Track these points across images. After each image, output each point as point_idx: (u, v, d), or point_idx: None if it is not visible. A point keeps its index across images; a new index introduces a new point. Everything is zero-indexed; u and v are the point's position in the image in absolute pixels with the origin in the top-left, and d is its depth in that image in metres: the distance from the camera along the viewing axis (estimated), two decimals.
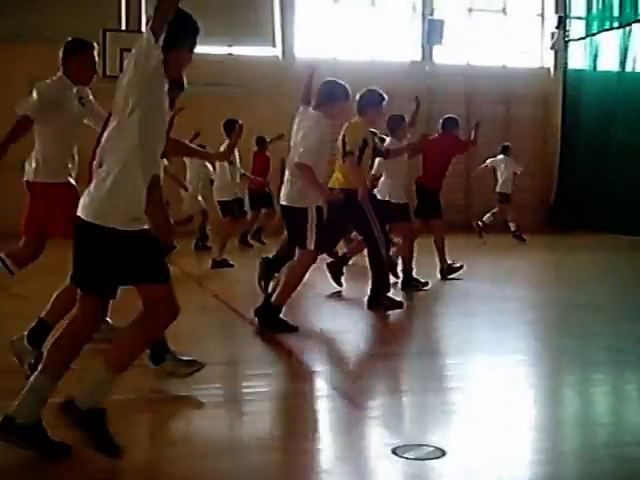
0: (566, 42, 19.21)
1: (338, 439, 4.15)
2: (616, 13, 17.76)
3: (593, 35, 18.44)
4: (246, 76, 16.21)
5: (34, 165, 5.41)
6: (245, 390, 5.06)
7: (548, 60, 19.63)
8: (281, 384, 5.22)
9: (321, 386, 5.10)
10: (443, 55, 18.67)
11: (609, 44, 18.00)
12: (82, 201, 3.60)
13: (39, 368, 3.67)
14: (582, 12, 18.82)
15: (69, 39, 5.52)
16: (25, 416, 3.53)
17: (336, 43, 17.82)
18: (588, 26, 18.65)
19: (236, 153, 10.90)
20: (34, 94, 5.39)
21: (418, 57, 18.70)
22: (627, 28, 17.37)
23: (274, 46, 17.53)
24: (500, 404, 4.67)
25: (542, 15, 19.65)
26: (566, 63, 19.26)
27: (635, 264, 12.48)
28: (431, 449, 3.74)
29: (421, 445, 3.80)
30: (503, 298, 8.80)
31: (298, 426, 4.33)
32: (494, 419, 4.37)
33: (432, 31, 18.11)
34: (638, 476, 3.60)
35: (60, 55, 5.43)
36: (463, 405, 4.66)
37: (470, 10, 18.95)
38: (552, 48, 19.42)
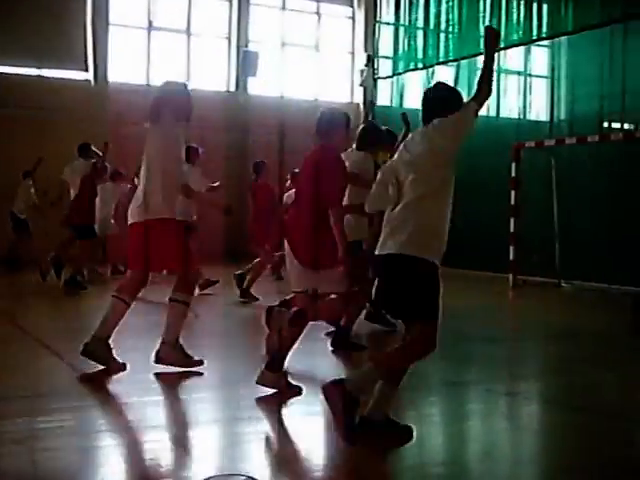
0: (375, 80, 20.03)
1: (149, 473, 4.07)
2: (420, 55, 18.74)
3: (399, 74, 19.35)
4: (55, 99, 15.72)
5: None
6: (49, 425, 4.82)
7: (358, 96, 20.37)
8: (89, 418, 5.04)
9: (132, 418, 4.99)
10: (257, 87, 18.93)
11: (414, 83, 18.94)
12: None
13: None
14: (389, 52, 19.71)
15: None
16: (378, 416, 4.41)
17: (150, 69, 17.67)
18: (395, 65, 19.56)
19: None
20: None
21: (233, 88, 18.85)
22: (430, 69, 18.38)
23: (86, 70, 17.11)
24: (311, 430, 4.77)
25: (352, 53, 20.42)
26: (374, 99, 20.07)
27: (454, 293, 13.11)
28: (243, 478, 3.75)
29: (233, 475, 3.81)
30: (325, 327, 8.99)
31: (104, 461, 4.22)
32: (306, 445, 4.45)
33: (246, 62, 18.33)
34: None
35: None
36: (275, 433, 4.71)
37: (284, 44, 19.36)
38: (361, 85, 20.19)
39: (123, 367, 5.98)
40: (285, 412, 5.17)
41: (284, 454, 4.33)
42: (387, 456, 4.41)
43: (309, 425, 4.93)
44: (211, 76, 18.56)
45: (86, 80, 17.05)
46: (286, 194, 12.39)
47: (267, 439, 4.61)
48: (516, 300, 12.76)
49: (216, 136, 16.79)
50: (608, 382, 6.46)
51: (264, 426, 4.85)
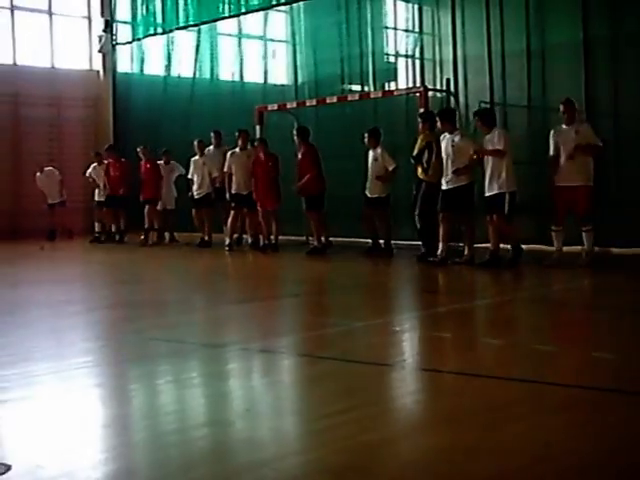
0: (114, 46, 19.42)
1: None
2: (159, 19, 18.37)
3: (139, 40, 18.88)
4: None
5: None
6: None
7: (97, 63, 19.67)
8: None
9: None
10: None
11: (155, 49, 18.58)
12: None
13: None
14: (128, 17, 19.16)
15: None
16: None
17: None
18: (134, 31, 19.05)
19: None
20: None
21: None
22: (170, 34, 18.09)
23: None
24: (69, 408, 4.58)
25: (89, 18, 19.63)
26: (115, 66, 19.48)
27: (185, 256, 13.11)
28: None
29: None
30: (65, 302, 8.67)
31: None
32: (61, 424, 4.26)
33: None
34: (204, 454, 3.76)
35: None
36: (27, 415, 4.47)
37: (14, 8, 18.21)
38: (100, 51, 19.50)
39: None
40: (38, 392, 4.94)
41: (38, 436, 4.12)
42: (146, 422, 4.34)
43: (64, 404, 4.73)
44: None
45: None
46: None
47: (20, 422, 4.37)
48: (264, 260, 12.99)
49: None
50: (351, 331, 6.75)
51: (16, 410, 4.59)
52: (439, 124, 11.02)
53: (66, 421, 4.33)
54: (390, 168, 11.99)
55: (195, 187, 14.64)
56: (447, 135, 10.78)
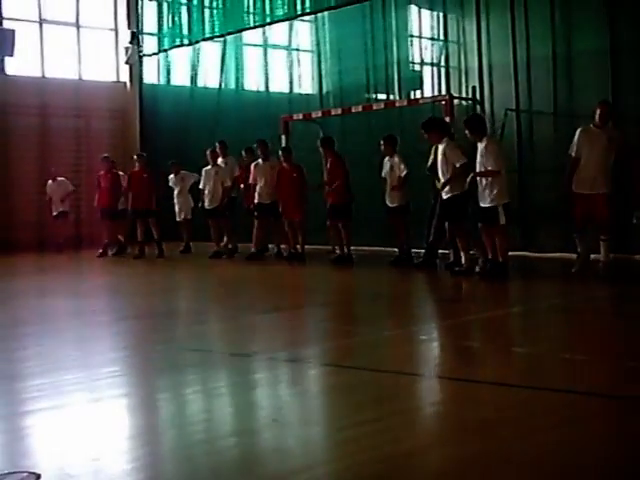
0: (140, 57, 19.57)
1: None
2: (185, 31, 18.51)
3: (165, 51, 19.02)
4: None
5: None
6: None
7: (124, 74, 19.82)
8: None
9: None
10: (15, 67, 17.90)
11: (181, 60, 18.71)
12: None
13: None
14: (154, 28, 19.30)
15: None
16: None
17: None
18: (160, 42, 19.19)
19: None
20: None
21: None
22: (196, 45, 18.22)
23: None
24: (98, 417, 4.61)
25: (115, 30, 19.79)
26: (141, 77, 19.62)
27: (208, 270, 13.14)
28: (25, 474, 3.56)
29: (14, 472, 3.61)
30: (92, 311, 8.74)
31: None
32: (90, 433, 4.29)
33: (2, 42, 17.25)
34: (232, 464, 3.78)
35: None
36: (57, 425, 4.51)
37: (42, 21, 18.43)
38: (127, 63, 19.66)
39: None
40: (67, 402, 4.97)
41: (67, 445, 4.15)
42: (174, 432, 4.35)
43: (93, 414, 4.76)
44: None
45: None
46: None
47: (49, 432, 4.40)
48: (290, 270, 13.01)
49: None
50: (378, 341, 6.73)
51: (45, 419, 4.63)
52: (425, 136, 10.79)
53: (95, 430, 4.35)
54: (402, 174, 11.88)
55: (206, 198, 14.60)
56: (438, 145, 10.59)
